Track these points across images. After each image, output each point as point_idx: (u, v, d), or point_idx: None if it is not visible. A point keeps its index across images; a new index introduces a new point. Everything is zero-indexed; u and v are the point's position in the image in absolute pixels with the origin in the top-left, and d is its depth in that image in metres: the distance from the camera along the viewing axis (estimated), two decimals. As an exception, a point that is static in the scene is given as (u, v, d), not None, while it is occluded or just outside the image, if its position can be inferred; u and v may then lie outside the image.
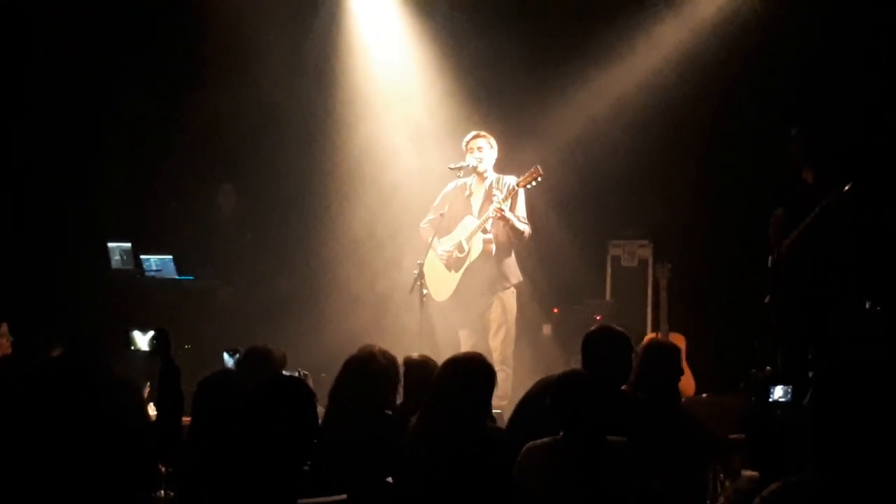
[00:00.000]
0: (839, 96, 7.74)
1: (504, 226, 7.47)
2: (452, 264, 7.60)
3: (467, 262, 7.55)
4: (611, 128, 8.76)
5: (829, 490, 3.01)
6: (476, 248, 7.52)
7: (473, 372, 4.40)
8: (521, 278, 7.69)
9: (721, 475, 4.96)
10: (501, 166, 7.73)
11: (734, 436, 5.08)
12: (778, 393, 5.26)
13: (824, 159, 6.70)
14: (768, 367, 6.35)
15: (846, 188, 6.51)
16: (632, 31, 8.68)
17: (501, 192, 7.48)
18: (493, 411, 5.04)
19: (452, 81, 8.96)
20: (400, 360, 4.99)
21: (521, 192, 7.53)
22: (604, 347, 4.99)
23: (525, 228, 7.52)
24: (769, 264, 6.90)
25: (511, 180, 7.54)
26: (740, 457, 4.56)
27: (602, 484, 4.01)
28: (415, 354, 5.31)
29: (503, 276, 7.58)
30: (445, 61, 9.01)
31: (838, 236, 6.55)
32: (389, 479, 4.38)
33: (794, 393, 5.10)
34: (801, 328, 6.59)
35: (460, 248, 7.56)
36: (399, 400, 4.99)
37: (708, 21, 8.50)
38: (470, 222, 7.57)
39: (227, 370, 5.42)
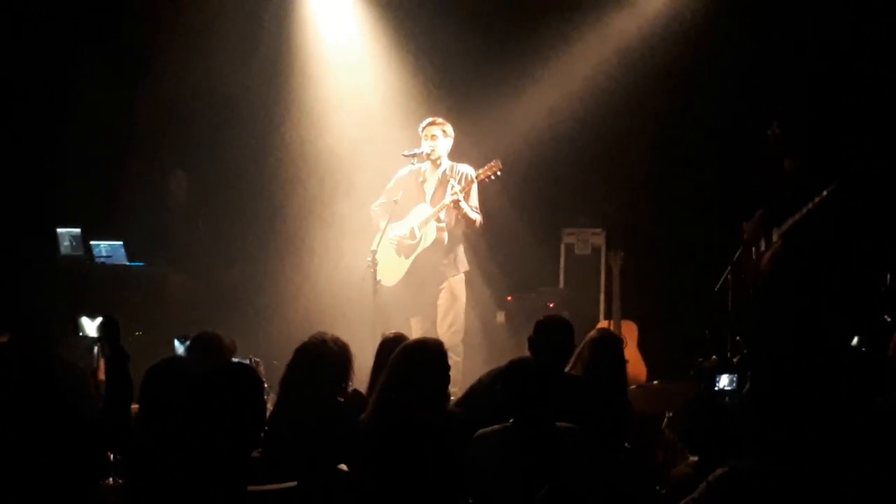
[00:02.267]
0: (787, 85, 7.82)
1: (457, 215, 7.48)
2: (403, 250, 7.60)
3: (418, 250, 7.56)
4: (564, 117, 8.80)
5: (773, 475, 3.06)
6: (428, 237, 7.53)
7: (426, 358, 4.41)
8: (468, 267, 7.72)
9: (661, 461, 5.02)
10: (456, 154, 7.73)
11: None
12: (724, 381, 5.33)
13: (808, 149, 6.76)
14: (714, 357, 6.42)
15: (851, 174, 6.53)
16: (584, 23, 8.72)
17: (457, 180, 7.48)
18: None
19: (407, 69, 8.94)
20: (352, 347, 4.97)
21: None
22: (551, 335, 5.04)
23: (477, 217, 7.54)
24: (753, 254, 6.93)
25: (466, 169, 7.54)
26: (682, 442, 4.61)
27: (552, 469, 4.03)
28: (390, 332, 5.34)
29: (452, 265, 7.60)
30: (400, 49, 8.99)
31: (840, 224, 6.58)
32: (343, 466, 4.38)
33: (739, 382, 5.17)
34: (786, 322, 6.59)
35: (412, 234, 7.56)
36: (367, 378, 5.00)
37: (659, 13, 8.56)
38: (423, 210, 7.57)
39: (176, 357, 5.38)
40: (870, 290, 6.66)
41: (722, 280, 7.32)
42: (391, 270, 7.58)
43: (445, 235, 7.52)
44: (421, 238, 7.54)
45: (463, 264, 7.67)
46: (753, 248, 7.02)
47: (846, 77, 7.69)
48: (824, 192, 6.55)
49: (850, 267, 6.64)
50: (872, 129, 7.45)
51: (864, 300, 6.63)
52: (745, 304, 7.05)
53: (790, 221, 6.72)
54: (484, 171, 7.46)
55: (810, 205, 6.61)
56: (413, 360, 4.45)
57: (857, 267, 6.67)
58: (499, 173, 7.44)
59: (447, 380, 4.54)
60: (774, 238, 6.86)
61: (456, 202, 7.38)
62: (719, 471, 3.25)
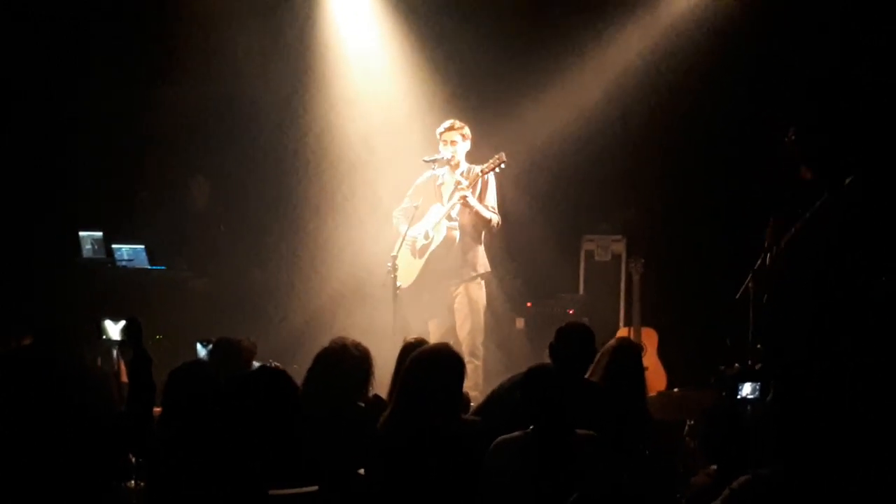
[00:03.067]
0: (816, 92, 7.79)
1: (469, 213, 7.48)
2: (416, 251, 7.62)
3: (430, 249, 7.56)
4: (586, 122, 8.78)
5: (796, 483, 3.05)
6: (439, 235, 7.53)
7: (438, 364, 4.40)
8: (488, 269, 7.69)
9: (681, 469, 5.00)
10: (476, 157, 7.73)
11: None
12: (746, 390, 5.31)
13: (824, 157, 6.74)
14: (737, 364, 6.39)
15: (846, 182, 6.52)
16: (607, 27, 8.71)
17: (468, 180, 7.49)
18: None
19: (428, 74, 8.95)
20: (372, 351, 4.98)
21: (492, 180, 7.54)
22: (572, 342, 5.04)
23: (493, 217, 7.53)
24: (767, 261, 6.92)
25: (479, 168, 7.56)
26: (701, 451, 4.60)
27: (571, 477, 4.02)
28: (411, 337, 5.34)
29: (469, 265, 7.58)
30: (420, 53, 9.00)
31: (839, 231, 6.57)
32: (361, 471, 4.38)
33: (762, 390, 5.14)
34: (798, 327, 6.58)
35: (426, 235, 7.59)
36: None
37: (684, 17, 8.53)
38: (437, 210, 7.59)
39: (199, 360, 5.41)
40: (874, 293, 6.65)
41: (743, 288, 7.28)
42: (407, 271, 7.58)
43: (457, 234, 7.52)
44: (433, 237, 7.56)
45: (482, 266, 7.65)
46: (767, 255, 7.00)
47: (864, 84, 7.66)
48: (825, 196, 6.55)
49: (855, 269, 6.62)
50: (884, 134, 7.43)
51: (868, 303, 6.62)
52: (759, 311, 7.04)
53: (795, 227, 6.72)
54: (488, 165, 7.47)
55: (813, 209, 6.61)
56: (425, 368, 4.45)
57: (862, 269, 6.65)
58: (503, 165, 7.43)
59: (460, 385, 4.52)
60: (782, 245, 6.84)
61: (464, 199, 7.38)
62: (742, 478, 3.25)
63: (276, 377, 3.91)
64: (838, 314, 6.46)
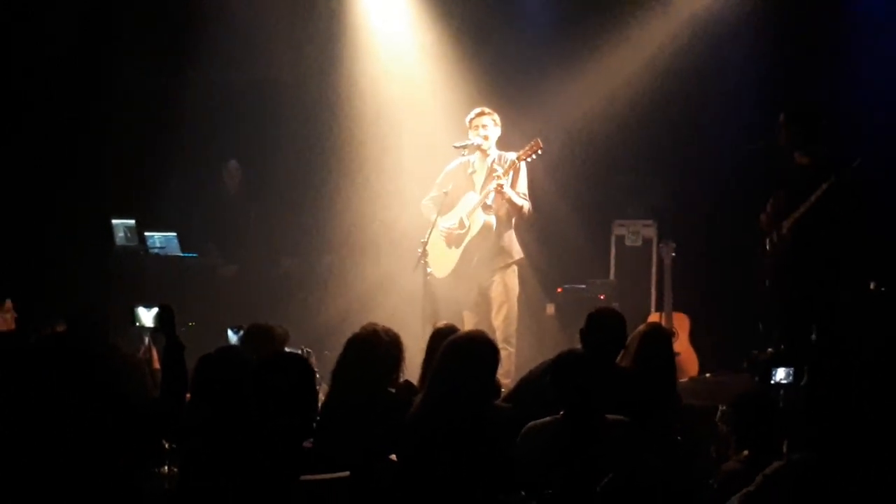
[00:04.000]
0: (839, 77, 7.74)
1: (503, 201, 7.46)
2: (453, 241, 7.58)
3: (468, 238, 7.53)
4: (616, 107, 8.73)
5: (830, 469, 3.03)
6: (476, 224, 7.50)
7: (473, 352, 4.39)
8: (521, 254, 7.66)
9: (713, 455, 4.99)
10: (505, 144, 7.71)
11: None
12: (780, 375, 5.28)
13: (818, 142, 6.73)
14: (770, 349, 6.36)
15: (853, 165, 6.51)
16: (640, 9, 8.65)
17: (502, 167, 7.46)
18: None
19: (457, 58, 8.93)
20: (403, 338, 4.99)
21: (523, 167, 7.51)
22: (603, 327, 5.03)
23: (525, 204, 7.50)
24: (767, 246, 6.93)
25: (512, 156, 7.52)
26: (733, 437, 4.58)
27: (602, 462, 4.02)
28: (441, 323, 5.34)
29: (504, 252, 7.55)
30: (450, 38, 8.98)
31: (844, 215, 6.56)
32: (393, 457, 4.39)
33: (795, 375, 5.12)
34: (804, 310, 6.60)
35: (461, 224, 7.55)
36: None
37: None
38: (471, 198, 7.56)
39: (231, 346, 5.43)
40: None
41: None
42: (442, 262, 7.56)
43: (493, 221, 7.49)
44: (469, 226, 7.53)
45: (517, 252, 7.62)
46: (767, 240, 6.98)
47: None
48: (824, 185, 6.53)
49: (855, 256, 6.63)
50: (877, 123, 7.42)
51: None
52: (760, 296, 7.03)
53: (797, 214, 6.69)
54: (524, 152, 7.42)
55: (814, 197, 6.59)
56: (460, 354, 4.43)
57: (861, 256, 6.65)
58: (540, 152, 7.39)
59: (494, 373, 4.52)
60: (784, 230, 6.82)
61: (500, 187, 7.35)
62: (776, 464, 3.23)
63: (289, 361, 3.92)
64: (854, 299, 6.46)
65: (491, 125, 7.57)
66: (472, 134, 7.58)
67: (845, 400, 2.97)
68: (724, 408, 5.51)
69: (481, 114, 7.59)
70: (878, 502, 3.14)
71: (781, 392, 5.31)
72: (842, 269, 6.65)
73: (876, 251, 6.80)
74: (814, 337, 6.40)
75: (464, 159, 7.64)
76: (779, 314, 6.84)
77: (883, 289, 6.66)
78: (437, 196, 7.60)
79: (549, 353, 4.79)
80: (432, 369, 4.49)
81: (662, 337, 5.23)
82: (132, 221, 8.93)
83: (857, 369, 3.00)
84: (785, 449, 4.17)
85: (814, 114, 6.90)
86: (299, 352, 5.71)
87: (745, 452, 4.38)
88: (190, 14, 9.06)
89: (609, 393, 4.33)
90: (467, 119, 7.63)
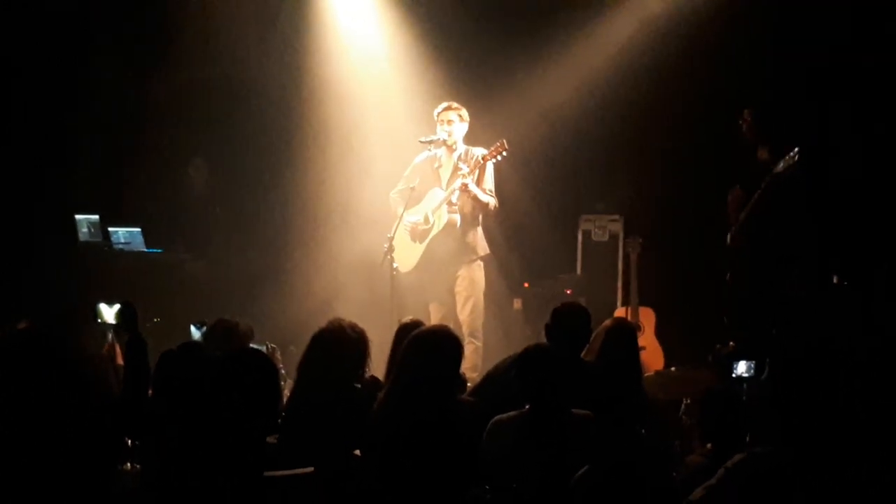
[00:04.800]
0: (798, 73, 7.79)
1: (469, 198, 7.47)
2: (417, 235, 7.61)
3: (431, 234, 7.56)
4: (583, 102, 8.76)
5: (791, 461, 3.05)
6: (440, 221, 7.53)
7: (437, 346, 4.39)
8: (487, 251, 7.70)
9: (678, 448, 5.02)
10: (472, 138, 7.72)
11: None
12: (741, 368, 5.32)
13: (778, 138, 6.78)
14: (732, 343, 6.41)
15: (791, 154, 6.56)
16: (604, 5, 8.68)
17: (468, 164, 7.47)
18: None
19: (424, 54, 8.92)
20: (369, 333, 4.98)
21: (490, 164, 7.52)
22: (568, 322, 5.05)
23: (491, 201, 7.52)
24: (728, 241, 6.99)
25: (479, 152, 7.54)
26: (698, 431, 4.61)
27: (567, 456, 4.03)
28: (407, 318, 5.34)
29: (469, 249, 7.58)
30: (417, 33, 8.97)
31: (790, 205, 6.63)
32: (357, 452, 4.38)
33: (756, 368, 5.16)
34: (760, 304, 6.66)
35: (426, 219, 7.57)
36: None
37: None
38: (437, 194, 7.57)
39: (193, 342, 5.40)
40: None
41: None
42: (407, 256, 7.58)
43: (458, 218, 7.51)
44: (434, 222, 7.54)
45: (482, 248, 7.65)
46: (728, 236, 7.06)
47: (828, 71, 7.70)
48: (767, 178, 6.59)
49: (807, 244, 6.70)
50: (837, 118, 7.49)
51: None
52: (723, 290, 7.09)
53: (747, 208, 6.76)
54: (490, 152, 7.45)
55: (757, 192, 6.66)
56: (423, 349, 4.44)
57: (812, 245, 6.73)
58: (505, 154, 7.42)
59: (458, 367, 4.52)
60: (739, 224, 6.90)
61: (464, 186, 7.37)
62: (738, 457, 3.25)
63: (251, 357, 3.90)
64: (812, 294, 6.53)
65: (457, 120, 7.58)
66: (438, 128, 7.59)
67: (806, 393, 3.00)
68: (689, 401, 5.56)
69: (448, 108, 7.60)
70: (839, 495, 3.17)
71: (744, 385, 5.35)
72: (794, 264, 6.71)
73: (837, 245, 6.86)
74: (773, 331, 6.46)
75: (430, 153, 7.65)
76: (739, 308, 6.90)
77: (845, 283, 6.72)
78: (403, 190, 7.62)
79: (516, 348, 4.80)
80: (396, 364, 4.49)
81: (627, 331, 5.25)
82: (96, 217, 8.86)
83: (817, 363, 3.02)
84: (747, 442, 4.20)
85: (775, 110, 6.95)
86: (264, 348, 5.69)
87: (709, 446, 4.41)
88: (155, 11, 9.00)
89: (575, 387, 4.34)
90: (435, 113, 7.64)
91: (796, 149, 6.56)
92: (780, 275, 6.68)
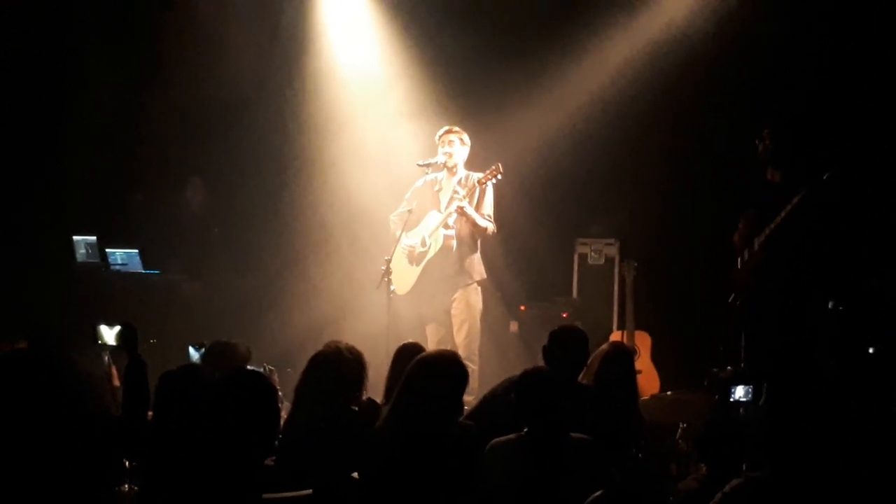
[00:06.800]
0: (808, 96, 7.81)
1: (466, 222, 7.49)
2: (414, 258, 7.63)
3: (427, 257, 7.58)
4: (579, 126, 8.79)
5: (788, 486, 3.07)
6: (436, 244, 7.54)
7: (443, 371, 4.39)
8: (484, 276, 7.72)
9: (674, 472, 5.02)
10: (469, 162, 7.75)
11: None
12: (739, 393, 5.33)
13: (793, 160, 6.78)
14: (730, 367, 6.41)
15: (823, 178, 6.54)
16: (602, 30, 8.72)
17: (466, 188, 7.50)
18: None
19: (423, 76, 8.96)
20: (366, 355, 4.99)
21: (489, 188, 7.56)
22: (566, 345, 5.06)
23: (488, 225, 7.55)
24: (738, 264, 6.97)
25: (477, 177, 7.57)
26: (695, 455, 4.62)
27: (565, 480, 4.04)
28: (406, 340, 5.36)
29: (465, 273, 7.60)
30: (415, 55, 9.01)
31: (813, 232, 6.60)
32: (355, 475, 4.38)
33: (755, 393, 5.16)
34: (770, 327, 6.63)
35: (423, 242, 7.60)
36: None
37: (678, 20, 8.54)
38: (434, 217, 7.60)
39: (192, 364, 5.40)
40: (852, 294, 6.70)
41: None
42: (404, 278, 7.60)
43: (454, 242, 7.53)
44: (430, 245, 7.57)
45: (478, 273, 7.67)
46: (739, 258, 7.04)
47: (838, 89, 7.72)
48: (795, 199, 6.59)
49: (828, 271, 6.68)
50: (852, 137, 7.49)
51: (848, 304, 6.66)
52: (731, 315, 7.07)
53: (767, 230, 6.75)
54: (485, 176, 7.48)
55: (784, 213, 6.64)
56: (430, 373, 4.43)
57: (835, 271, 6.70)
58: (500, 177, 7.44)
59: (461, 393, 4.53)
60: (756, 247, 6.88)
61: (461, 209, 7.39)
62: (735, 481, 3.26)
63: (249, 378, 3.91)
64: (824, 315, 6.50)
65: (457, 143, 7.62)
66: (439, 151, 7.63)
67: (803, 418, 3.01)
68: (685, 425, 5.56)
69: (449, 131, 7.65)
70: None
71: (742, 410, 5.36)
72: (811, 287, 6.69)
73: (844, 267, 6.84)
74: (776, 355, 6.43)
75: (431, 176, 7.68)
76: (745, 331, 6.86)
77: (840, 308, 6.71)
78: (403, 212, 7.64)
79: (513, 371, 4.81)
80: (399, 386, 4.49)
81: (624, 355, 5.26)
82: (93, 238, 8.87)
83: (815, 388, 3.04)
84: (744, 467, 4.21)
85: (790, 131, 6.94)
86: (261, 369, 5.69)
87: (703, 471, 4.40)
88: (152, 31, 9.04)
89: (572, 411, 4.35)
90: (436, 136, 7.68)
91: (827, 173, 6.55)
92: (795, 298, 6.64)
